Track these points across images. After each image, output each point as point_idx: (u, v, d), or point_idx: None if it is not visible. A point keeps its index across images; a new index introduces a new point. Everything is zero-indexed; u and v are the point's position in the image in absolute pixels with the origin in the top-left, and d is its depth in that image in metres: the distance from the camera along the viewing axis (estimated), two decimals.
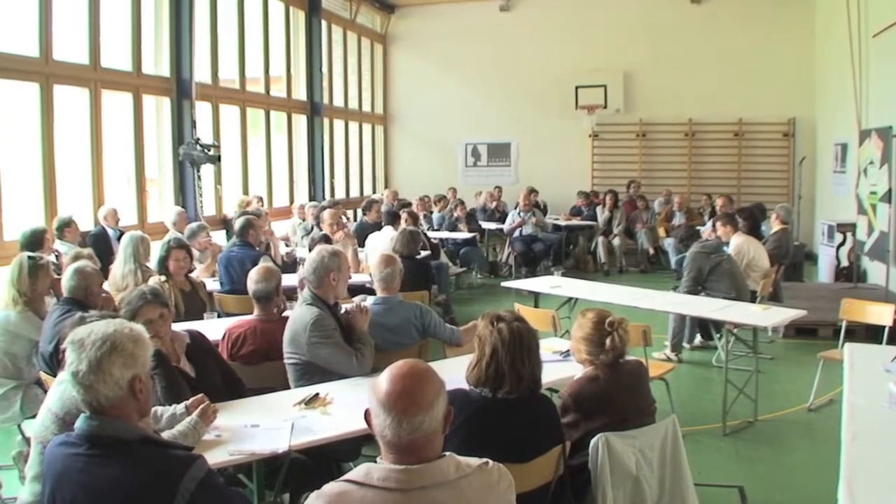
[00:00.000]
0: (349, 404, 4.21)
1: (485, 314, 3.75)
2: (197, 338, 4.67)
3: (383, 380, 2.44)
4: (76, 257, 6.41)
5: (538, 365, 3.63)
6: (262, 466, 3.81)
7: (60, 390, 3.40)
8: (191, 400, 3.92)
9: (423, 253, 9.85)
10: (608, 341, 4.00)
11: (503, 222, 14.75)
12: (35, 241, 7.51)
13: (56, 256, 7.75)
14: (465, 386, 3.60)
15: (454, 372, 3.63)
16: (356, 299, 5.20)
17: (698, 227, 11.38)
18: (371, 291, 5.86)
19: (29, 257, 5.88)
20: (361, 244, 10.71)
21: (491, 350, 3.56)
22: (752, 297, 8.32)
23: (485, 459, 2.58)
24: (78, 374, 2.60)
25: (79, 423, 2.64)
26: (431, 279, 9.12)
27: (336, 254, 5.08)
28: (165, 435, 3.43)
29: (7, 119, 8.64)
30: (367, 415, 2.47)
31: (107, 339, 2.63)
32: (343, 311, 5.05)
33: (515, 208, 14.56)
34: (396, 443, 2.38)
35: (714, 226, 9.46)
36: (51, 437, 3.08)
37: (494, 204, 15.65)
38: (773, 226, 10.13)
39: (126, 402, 2.64)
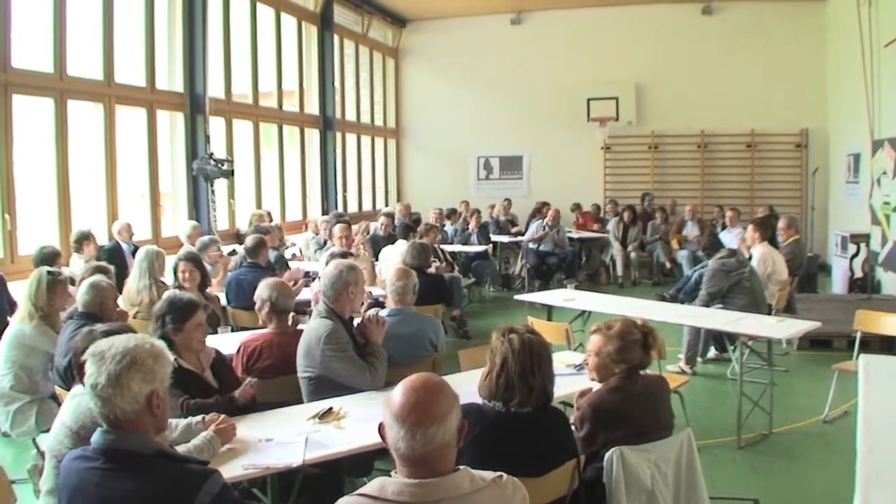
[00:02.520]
0: (363, 418, 4.21)
1: (498, 327, 3.75)
2: (218, 352, 4.73)
3: (397, 392, 2.46)
4: (96, 271, 6.45)
5: (549, 377, 3.61)
6: (277, 480, 3.82)
7: (74, 404, 3.41)
8: (210, 415, 3.93)
9: (435, 266, 9.86)
10: (651, 339, 4.05)
11: (515, 234, 14.82)
12: (47, 260, 7.57)
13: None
14: (480, 400, 3.60)
15: (468, 385, 3.63)
16: (370, 312, 5.19)
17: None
18: (384, 305, 5.86)
19: (48, 272, 5.91)
20: (375, 257, 10.72)
21: (501, 361, 3.56)
22: (769, 310, 8.30)
23: (499, 473, 2.58)
24: (97, 386, 2.63)
25: (95, 437, 2.66)
26: (444, 293, 9.11)
27: (353, 268, 5.09)
28: (181, 448, 3.44)
29: (22, 134, 8.69)
30: (381, 428, 2.48)
31: (127, 353, 2.66)
32: (359, 321, 5.07)
33: (541, 219, 14.59)
34: (410, 455, 2.39)
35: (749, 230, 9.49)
36: (65, 451, 3.10)
37: (507, 216, 15.68)
38: (783, 237, 10.05)
39: (143, 417, 2.66)
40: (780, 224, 10.16)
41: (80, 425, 3.30)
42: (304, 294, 8.18)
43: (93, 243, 8.70)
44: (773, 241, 9.73)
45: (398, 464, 2.44)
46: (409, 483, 2.38)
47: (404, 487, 2.38)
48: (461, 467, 2.48)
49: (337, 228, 9.91)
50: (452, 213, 15.11)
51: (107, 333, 3.57)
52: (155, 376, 2.70)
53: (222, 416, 3.92)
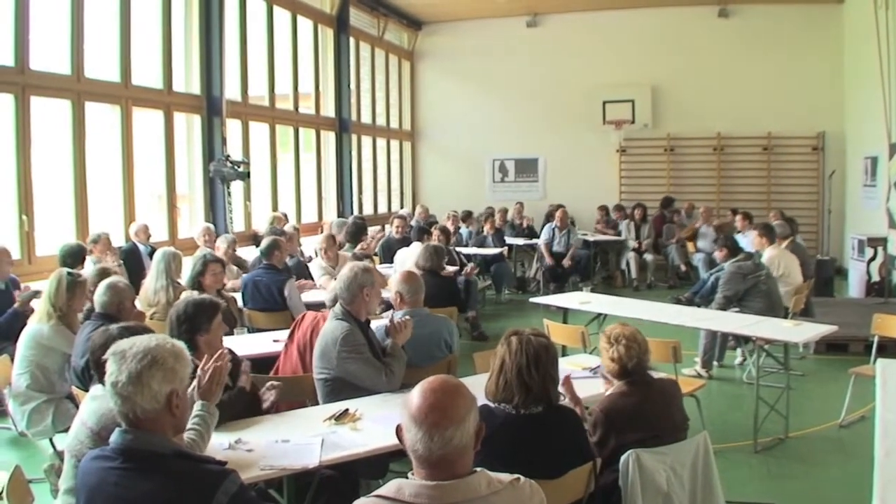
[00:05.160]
0: (378, 420, 4.24)
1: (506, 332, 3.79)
2: (231, 351, 4.75)
3: (415, 394, 2.46)
4: (101, 272, 6.51)
5: (550, 379, 3.63)
6: (293, 481, 3.83)
7: (96, 405, 3.42)
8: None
9: (450, 268, 9.84)
10: (611, 352, 4.06)
11: (530, 238, 14.81)
12: (74, 255, 7.62)
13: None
14: (490, 402, 3.62)
15: (483, 388, 3.64)
16: (396, 318, 5.18)
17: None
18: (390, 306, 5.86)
19: (68, 273, 5.95)
20: (390, 260, 10.74)
21: (500, 362, 3.64)
22: (785, 314, 8.27)
23: (516, 476, 2.58)
24: (117, 384, 2.65)
25: (114, 437, 2.68)
26: (458, 295, 9.10)
27: (368, 270, 5.11)
28: (186, 434, 3.39)
29: (40, 136, 8.74)
30: (398, 430, 2.48)
31: (148, 352, 2.68)
32: (389, 320, 5.09)
33: (549, 222, 14.57)
34: (428, 457, 2.39)
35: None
36: (85, 452, 3.12)
37: (524, 221, 15.68)
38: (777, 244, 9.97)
39: (162, 417, 2.68)
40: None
41: (102, 426, 3.31)
42: (317, 296, 8.20)
43: (101, 246, 8.68)
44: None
45: (415, 466, 2.44)
46: (426, 485, 2.38)
47: (421, 489, 2.38)
48: (478, 469, 2.48)
49: (320, 239, 9.87)
50: (468, 216, 15.07)
51: (123, 331, 3.59)
52: (175, 375, 2.72)
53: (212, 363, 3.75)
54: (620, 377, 4.09)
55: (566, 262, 13.72)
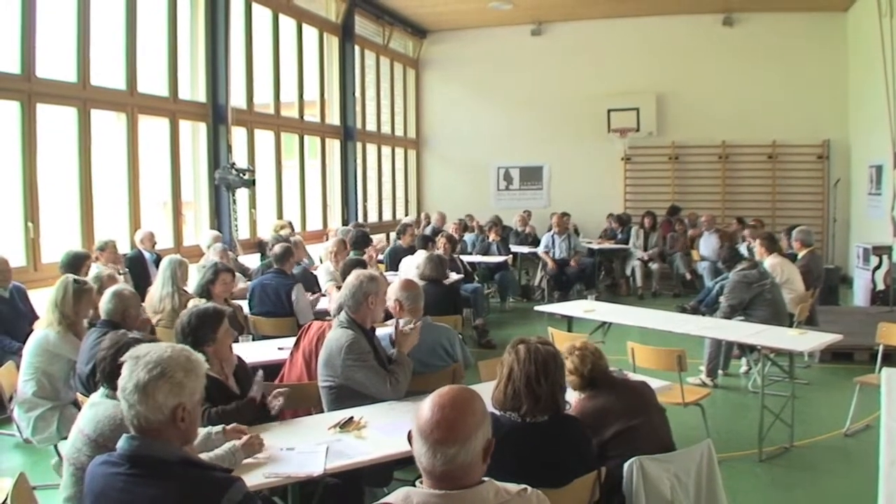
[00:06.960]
0: (383, 428, 4.24)
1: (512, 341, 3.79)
2: (240, 359, 4.77)
3: (426, 406, 2.46)
4: (99, 279, 6.54)
5: (558, 388, 3.64)
6: (298, 489, 3.83)
7: (93, 413, 3.44)
8: (231, 425, 3.96)
9: (454, 277, 9.83)
10: (567, 365, 4.03)
11: (534, 246, 14.79)
12: (75, 263, 7.61)
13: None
14: (496, 411, 3.62)
15: (489, 396, 3.64)
16: (401, 325, 5.18)
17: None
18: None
19: (75, 281, 5.96)
20: (396, 267, 10.75)
21: (508, 370, 3.63)
22: (790, 322, 8.25)
23: (524, 486, 2.58)
24: (125, 390, 2.68)
25: (121, 443, 2.69)
26: (460, 304, 9.09)
27: (374, 278, 5.10)
28: (203, 457, 3.45)
29: (46, 143, 8.75)
30: (409, 436, 2.49)
31: (159, 363, 2.68)
32: (394, 327, 5.10)
33: (549, 231, 14.55)
34: (431, 471, 2.41)
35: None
36: (83, 459, 3.15)
37: (526, 228, 15.68)
38: (796, 251, 10.00)
39: (166, 427, 2.68)
40: (793, 238, 10.15)
41: (99, 433, 3.33)
42: (321, 303, 8.22)
43: (108, 253, 8.68)
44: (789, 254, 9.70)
45: (423, 474, 2.45)
46: (434, 494, 2.39)
47: (429, 498, 2.38)
48: (486, 479, 2.48)
49: (330, 244, 9.93)
50: (465, 227, 15.04)
51: (135, 341, 3.62)
52: (183, 389, 2.70)
53: (248, 429, 3.97)
54: (585, 388, 4.14)
55: (571, 264, 13.72)
